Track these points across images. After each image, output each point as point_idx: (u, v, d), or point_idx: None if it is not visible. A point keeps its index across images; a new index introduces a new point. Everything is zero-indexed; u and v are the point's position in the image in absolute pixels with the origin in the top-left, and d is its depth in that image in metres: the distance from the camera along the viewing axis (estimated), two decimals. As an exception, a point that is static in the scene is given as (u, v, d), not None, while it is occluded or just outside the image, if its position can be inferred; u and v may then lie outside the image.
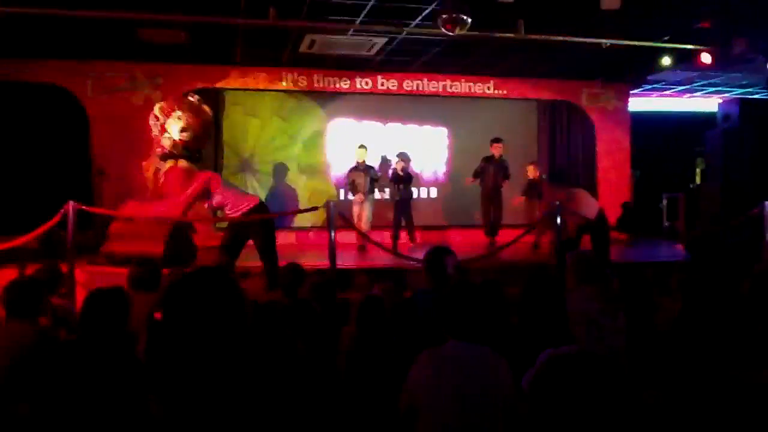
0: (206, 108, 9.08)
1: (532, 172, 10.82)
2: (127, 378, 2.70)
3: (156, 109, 8.76)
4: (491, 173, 10.64)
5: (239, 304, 1.94)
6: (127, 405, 2.59)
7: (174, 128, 8.65)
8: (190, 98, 8.94)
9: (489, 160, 10.69)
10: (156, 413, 2.15)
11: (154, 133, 8.81)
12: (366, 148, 10.47)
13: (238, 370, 1.88)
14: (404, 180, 10.57)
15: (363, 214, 10.18)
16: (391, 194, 10.73)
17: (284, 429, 2.00)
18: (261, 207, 7.34)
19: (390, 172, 10.97)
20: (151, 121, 8.84)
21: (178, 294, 1.92)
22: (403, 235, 10.52)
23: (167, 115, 8.73)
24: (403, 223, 10.52)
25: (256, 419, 1.89)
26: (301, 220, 11.14)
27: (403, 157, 11.04)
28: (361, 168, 10.30)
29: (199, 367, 1.86)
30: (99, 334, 2.88)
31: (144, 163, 9.14)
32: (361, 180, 10.21)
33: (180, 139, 8.58)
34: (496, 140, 10.73)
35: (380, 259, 8.49)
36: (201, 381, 1.85)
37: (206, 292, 1.90)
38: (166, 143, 8.65)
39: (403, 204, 10.55)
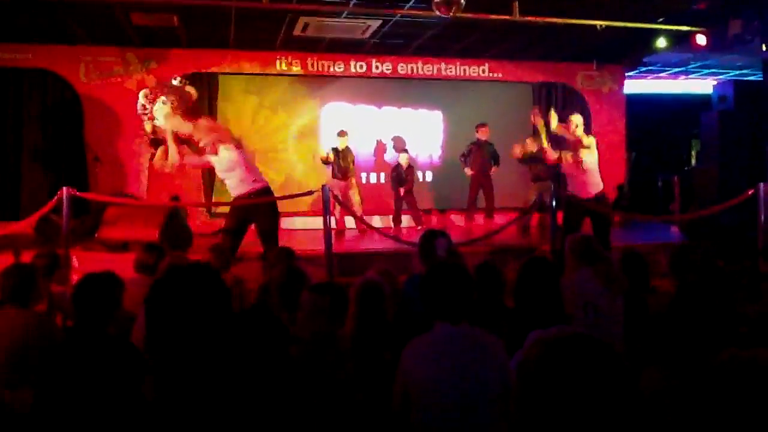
0: (191, 90, 9.05)
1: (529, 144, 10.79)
2: (119, 361, 2.71)
3: (141, 96, 8.71)
4: (479, 157, 10.66)
5: (221, 297, 2.05)
6: (120, 388, 2.60)
7: (160, 114, 8.63)
8: (174, 81, 8.91)
9: (476, 144, 10.70)
10: (149, 395, 2.24)
11: (144, 122, 8.77)
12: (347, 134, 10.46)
13: (226, 358, 1.95)
14: (408, 177, 10.64)
15: (353, 198, 10.17)
16: (395, 187, 10.74)
17: (279, 416, 2.01)
18: (268, 190, 7.21)
19: (394, 168, 10.91)
20: (139, 110, 8.78)
21: (162, 289, 2.04)
22: (405, 220, 10.60)
23: (152, 101, 8.69)
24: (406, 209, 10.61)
25: (247, 405, 1.92)
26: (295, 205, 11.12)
27: (407, 150, 11.06)
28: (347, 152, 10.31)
29: (185, 356, 1.94)
30: (90, 318, 2.88)
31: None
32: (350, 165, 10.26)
33: (152, 133, 8.60)
34: (482, 124, 10.75)
35: (378, 243, 8.49)
36: (189, 367, 1.92)
37: (188, 287, 2.01)
38: (148, 128, 8.63)
39: (407, 193, 10.61)
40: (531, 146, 10.51)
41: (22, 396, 2.94)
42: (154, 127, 8.49)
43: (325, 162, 10.20)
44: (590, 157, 7.34)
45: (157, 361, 2.02)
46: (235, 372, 1.93)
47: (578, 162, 7.28)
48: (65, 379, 2.64)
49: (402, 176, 10.63)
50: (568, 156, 7.37)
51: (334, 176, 10.15)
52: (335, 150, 10.18)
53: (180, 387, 1.92)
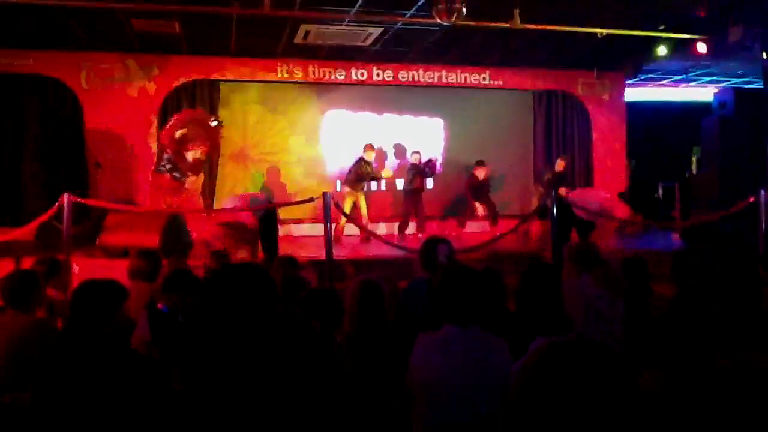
0: (221, 129, 9.34)
1: (560, 165, 10.90)
2: (117, 366, 2.71)
3: (177, 135, 8.80)
4: (466, 185, 10.85)
5: (272, 296, 2.20)
6: (119, 393, 2.61)
7: (190, 155, 8.86)
8: (210, 122, 9.16)
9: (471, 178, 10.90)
10: (178, 387, 2.41)
11: (165, 153, 8.91)
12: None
13: (265, 355, 2.02)
14: (426, 173, 10.77)
15: (362, 206, 10.23)
16: (407, 184, 10.81)
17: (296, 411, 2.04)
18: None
19: (412, 164, 11.00)
20: (166, 143, 8.89)
21: (217, 284, 2.21)
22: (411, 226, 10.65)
23: (186, 146, 8.84)
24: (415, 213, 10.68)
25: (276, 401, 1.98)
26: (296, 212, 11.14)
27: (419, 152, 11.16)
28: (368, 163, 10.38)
29: (228, 350, 2.04)
30: (87, 324, 2.88)
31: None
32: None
33: (188, 161, 8.82)
34: (480, 163, 10.87)
35: (380, 250, 8.49)
36: (228, 362, 2.02)
37: (243, 283, 2.16)
38: (183, 166, 8.82)
39: (417, 195, 10.67)
40: (559, 166, 10.68)
41: (21, 399, 2.94)
42: (181, 163, 8.77)
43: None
44: None
45: (194, 355, 2.11)
46: (270, 371, 1.98)
47: None
48: (60, 381, 2.64)
49: (421, 170, 10.75)
50: None
51: (352, 186, 10.23)
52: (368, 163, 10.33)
53: (217, 380, 2.00)
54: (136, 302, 3.92)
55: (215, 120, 9.51)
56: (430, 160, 11.01)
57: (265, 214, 8.06)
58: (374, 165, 10.47)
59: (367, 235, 9.72)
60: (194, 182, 9.31)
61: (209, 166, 10.61)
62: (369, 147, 10.37)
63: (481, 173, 10.75)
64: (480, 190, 10.74)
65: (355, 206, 10.20)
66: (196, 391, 2.05)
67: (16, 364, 3.33)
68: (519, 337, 2.80)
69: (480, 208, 10.81)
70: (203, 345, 2.15)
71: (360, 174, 10.21)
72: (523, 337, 2.61)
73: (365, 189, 10.53)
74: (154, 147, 10.24)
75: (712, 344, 2.39)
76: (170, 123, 9.07)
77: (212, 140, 9.26)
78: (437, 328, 2.74)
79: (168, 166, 8.88)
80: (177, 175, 8.86)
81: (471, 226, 11.03)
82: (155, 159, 9.71)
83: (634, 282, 4.08)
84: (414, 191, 10.70)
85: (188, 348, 2.33)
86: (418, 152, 11.06)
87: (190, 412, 2.05)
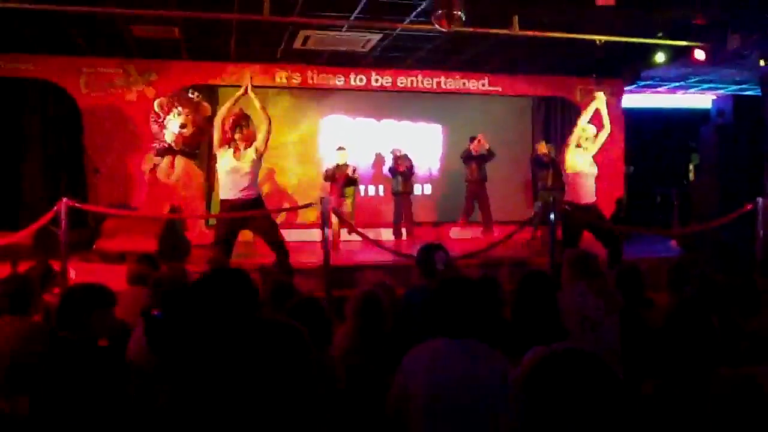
0: (206, 105, 9.25)
1: (542, 148, 10.90)
2: (109, 372, 2.70)
3: (155, 105, 8.89)
4: (474, 169, 10.71)
5: (253, 303, 2.19)
6: (111, 398, 2.60)
7: (173, 124, 8.80)
8: (190, 95, 9.06)
9: (469, 155, 10.82)
10: (162, 402, 2.35)
11: (153, 129, 8.89)
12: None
13: (248, 365, 1.96)
14: (404, 174, 10.71)
15: (347, 211, 10.16)
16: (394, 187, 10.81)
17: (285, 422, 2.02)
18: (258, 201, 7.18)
19: (389, 166, 10.96)
20: (151, 117, 8.93)
21: (198, 292, 2.18)
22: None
23: (167, 112, 8.85)
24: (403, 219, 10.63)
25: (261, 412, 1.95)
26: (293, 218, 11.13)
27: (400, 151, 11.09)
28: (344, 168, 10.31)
29: (210, 360, 2.00)
30: (73, 329, 2.88)
31: (144, 162, 9.25)
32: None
33: (179, 135, 8.72)
34: (473, 138, 10.83)
35: (376, 256, 8.47)
36: (211, 373, 1.98)
37: (224, 291, 2.15)
38: (168, 138, 8.78)
39: (404, 198, 10.65)
40: (542, 148, 10.65)
41: (19, 404, 2.93)
42: (173, 137, 8.70)
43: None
44: (594, 165, 7.40)
45: (175, 365, 2.08)
46: (251, 378, 1.95)
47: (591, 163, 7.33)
48: (55, 387, 2.64)
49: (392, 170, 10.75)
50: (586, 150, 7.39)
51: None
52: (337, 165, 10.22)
53: (197, 390, 1.96)
54: (135, 307, 3.91)
55: (195, 94, 9.47)
56: (396, 158, 10.95)
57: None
58: (349, 166, 10.30)
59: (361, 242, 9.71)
60: (192, 178, 9.31)
61: (207, 171, 10.63)
62: (339, 148, 10.34)
63: (542, 148, 10.74)
64: (544, 164, 10.68)
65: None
66: (177, 399, 2.03)
67: (14, 368, 3.32)
68: (514, 347, 2.80)
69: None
70: (182, 350, 2.13)
71: (327, 177, 10.22)
72: (519, 347, 2.61)
73: (353, 194, 10.43)
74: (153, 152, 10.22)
75: (710, 355, 2.38)
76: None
77: (199, 113, 9.21)
78: (433, 338, 2.72)
79: (156, 147, 8.92)
80: (164, 146, 8.88)
81: (466, 233, 11.00)
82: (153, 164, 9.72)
83: (628, 292, 4.08)
84: (399, 194, 10.71)
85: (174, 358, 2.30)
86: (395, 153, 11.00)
87: (172, 424, 2.03)
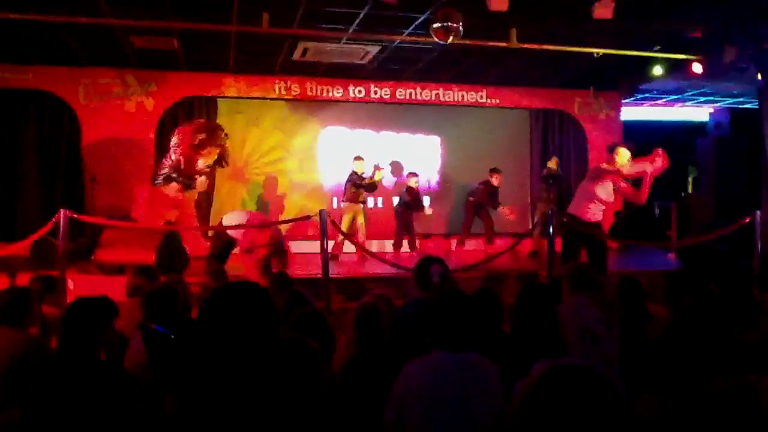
0: (226, 146, 9.45)
1: (553, 164, 10.97)
2: (106, 384, 2.69)
3: (195, 137, 8.91)
4: (482, 192, 10.74)
5: (271, 317, 2.13)
6: (106, 412, 2.59)
7: (203, 164, 8.99)
8: (224, 135, 9.28)
9: (485, 184, 10.74)
10: (171, 410, 2.36)
11: (174, 156, 8.96)
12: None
13: (260, 377, 1.98)
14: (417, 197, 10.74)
15: (360, 222, 10.19)
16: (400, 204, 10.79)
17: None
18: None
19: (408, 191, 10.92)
20: (181, 144, 8.96)
21: (215, 304, 2.13)
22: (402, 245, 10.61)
23: (201, 151, 8.94)
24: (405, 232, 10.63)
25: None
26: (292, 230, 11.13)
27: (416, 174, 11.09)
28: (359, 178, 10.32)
29: (225, 372, 1.99)
30: (77, 341, 2.87)
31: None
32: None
33: (199, 169, 8.92)
34: (495, 170, 10.73)
35: (376, 268, 8.48)
36: (224, 384, 1.97)
37: (243, 304, 2.10)
38: (199, 165, 8.91)
39: (407, 213, 10.66)
40: (552, 163, 10.70)
41: (11, 416, 2.92)
42: (192, 171, 8.88)
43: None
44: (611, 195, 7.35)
45: (189, 377, 2.05)
46: (265, 395, 1.95)
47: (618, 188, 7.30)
48: (51, 400, 2.63)
49: (417, 199, 10.70)
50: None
51: (350, 201, 10.19)
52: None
53: (210, 402, 1.95)
54: (133, 319, 3.91)
55: (225, 133, 9.59)
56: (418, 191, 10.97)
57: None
58: (365, 174, 10.35)
59: (363, 254, 9.71)
60: (193, 192, 9.41)
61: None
62: (357, 158, 10.31)
63: (495, 180, 10.72)
64: (495, 197, 10.70)
65: (354, 222, 10.16)
66: (190, 415, 2.01)
67: (8, 382, 3.31)
68: (514, 360, 2.80)
69: (506, 211, 10.76)
70: (198, 368, 2.10)
71: (356, 185, 10.18)
72: (518, 360, 2.61)
73: (365, 204, 10.48)
74: (152, 162, 10.22)
75: (709, 368, 2.38)
76: (190, 127, 9.18)
77: (222, 149, 9.39)
78: (428, 351, 2.71)
79: (173, 175, 8.97)
80: (184, 181, 8.98)
81: (467, 245, 11.01)
82: (153, 172, 9.73)
83: (629, 304, 4.08)
84: (403, 207, 10.73)
85: (183, 370, 2.26)
86: (416, 174, 10.99)
87: None
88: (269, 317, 2.11)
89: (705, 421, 2.27)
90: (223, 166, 9.78)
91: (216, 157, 9.29)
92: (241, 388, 1.93)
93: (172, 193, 9.13)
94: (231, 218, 7.71)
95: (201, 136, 8.96)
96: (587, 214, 7.20)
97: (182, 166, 8.96)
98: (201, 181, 9.34)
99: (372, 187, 10.23)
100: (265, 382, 1.94)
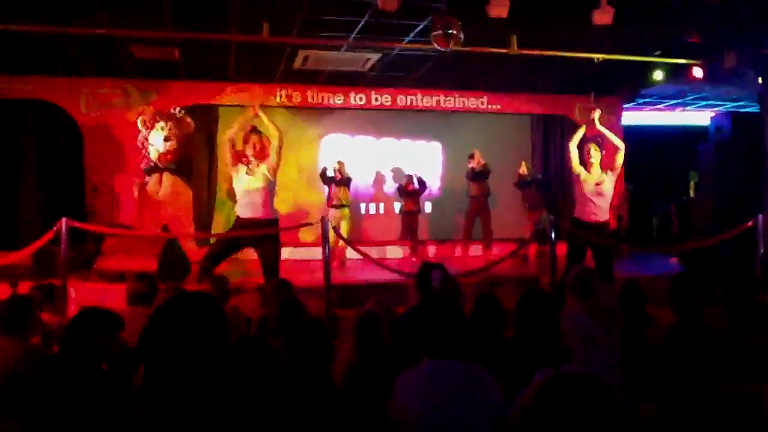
0: (189, 120, 9.38)
1: (522, 168, 11.12)
2: (112, 395, 2.68)
3: (138, 122, 9.01)
4: (475, 186, 10.75)
5: (221, 327, 2.14)
6: (105, 422, 2.58)
7: (157, 139, 8.92)
8: (172, 110, 9.22)
9: (474, 173, 10.86)
10: (141, 424, 2.29)
11: (140, 148, 9.00)
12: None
13: (220, 389, 1.97)
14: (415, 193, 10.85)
15: (343, 228, 10.16)
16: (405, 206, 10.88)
17: None
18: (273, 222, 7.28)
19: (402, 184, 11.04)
20: (139, 138, 9.04)
21: (162, 317, 2.13)
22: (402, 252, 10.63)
23: (149, 127, 8.96)
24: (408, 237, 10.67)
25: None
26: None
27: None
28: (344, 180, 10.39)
29: (182, 384, 1.99)
30: (79, 354, 2.86)
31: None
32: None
33: (164, 151, 8.82)
34: (471, 155, 10.91)
35: (378, 274, 8.44)
36: (184, 397, 1.97)
37: (189, 316, 2.10)
38: (152, 155, 8.87)
39: (409, 217, 10.68)
40: (522, 168, 10.77)
41: (11, 427, 2.91)
42: (158, 154, 8.80)
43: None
44: (609, 183, 7.41)
45: (151, 388, 2.05)
46: (226, 402, 1.95)
47: (599, 183, 7.34)
48: (50, 410, 2.62)
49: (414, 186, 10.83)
50: (589, 174, 7.41)
51: (331, 205, 10.23)
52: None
53: (173, 413, 1.95)
54: (135, 327, 3.89)
55: (178, 109, 9.64)
56: (410, 177, 11.07)
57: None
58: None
59: (342, 260, 9.79)
60: (180, 195, 9.40)
61: (208, 186, 10.68)
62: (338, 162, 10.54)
63: (522, 169, 10.92)
64: (526, 183, 10.88)
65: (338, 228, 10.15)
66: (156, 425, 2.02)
67: (7, 391, 3.29)
68: (516, 367, 2.78)
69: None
70: (152, 375, 2.11)
71: (326, 182, 10.39)
72: (520, 367, 2.59)
73: (349, 209, 10.52)
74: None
75: (711, 373, 2.37)
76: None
77: (182, 128, 9.40)
78: (419, 358, 2.67)
79: (150, 165, 9.04)
80: (161, 167, 8.99)
81: (466, 250, 11.01)
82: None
83: (631, 309, 4.06)
84: (405, 213, 10.74)
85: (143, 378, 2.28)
86: (409, 175, 11.07)
87: None
88: (216, 326, 2.12)
89: (708, 427, 2.26)
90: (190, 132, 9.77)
91: (171, 129, 9.25)
92: (198, 395, 1.95)
93: (156, 188, 9.16)
94: None
95: (143, 117, 9.08)
96: (588, 214, 7.29)
97: (146, 151, 9.02)
98: (154, 180, 9.28)
99: (342, 181, 10.28)
100: (220, 385, 1.96)
